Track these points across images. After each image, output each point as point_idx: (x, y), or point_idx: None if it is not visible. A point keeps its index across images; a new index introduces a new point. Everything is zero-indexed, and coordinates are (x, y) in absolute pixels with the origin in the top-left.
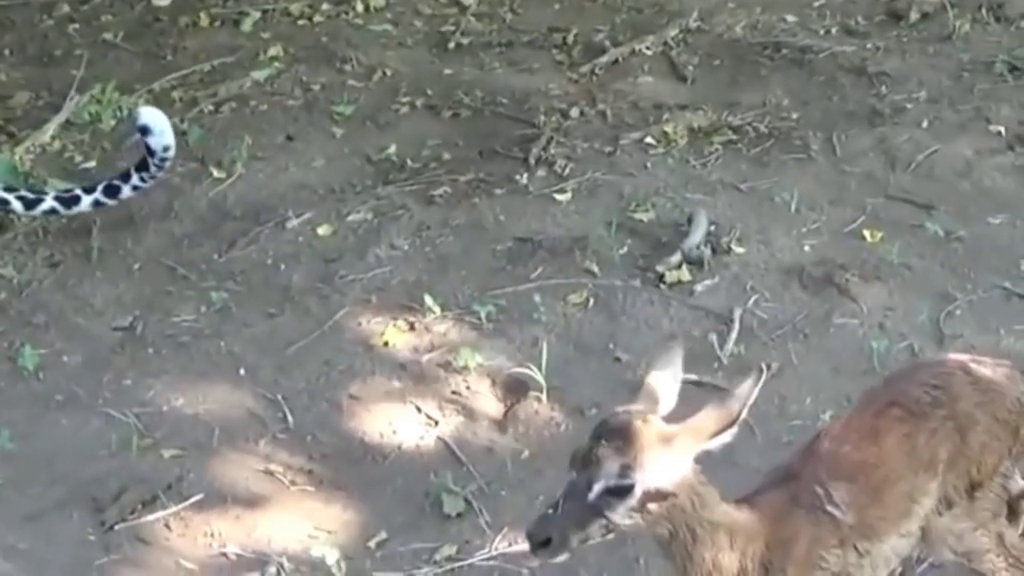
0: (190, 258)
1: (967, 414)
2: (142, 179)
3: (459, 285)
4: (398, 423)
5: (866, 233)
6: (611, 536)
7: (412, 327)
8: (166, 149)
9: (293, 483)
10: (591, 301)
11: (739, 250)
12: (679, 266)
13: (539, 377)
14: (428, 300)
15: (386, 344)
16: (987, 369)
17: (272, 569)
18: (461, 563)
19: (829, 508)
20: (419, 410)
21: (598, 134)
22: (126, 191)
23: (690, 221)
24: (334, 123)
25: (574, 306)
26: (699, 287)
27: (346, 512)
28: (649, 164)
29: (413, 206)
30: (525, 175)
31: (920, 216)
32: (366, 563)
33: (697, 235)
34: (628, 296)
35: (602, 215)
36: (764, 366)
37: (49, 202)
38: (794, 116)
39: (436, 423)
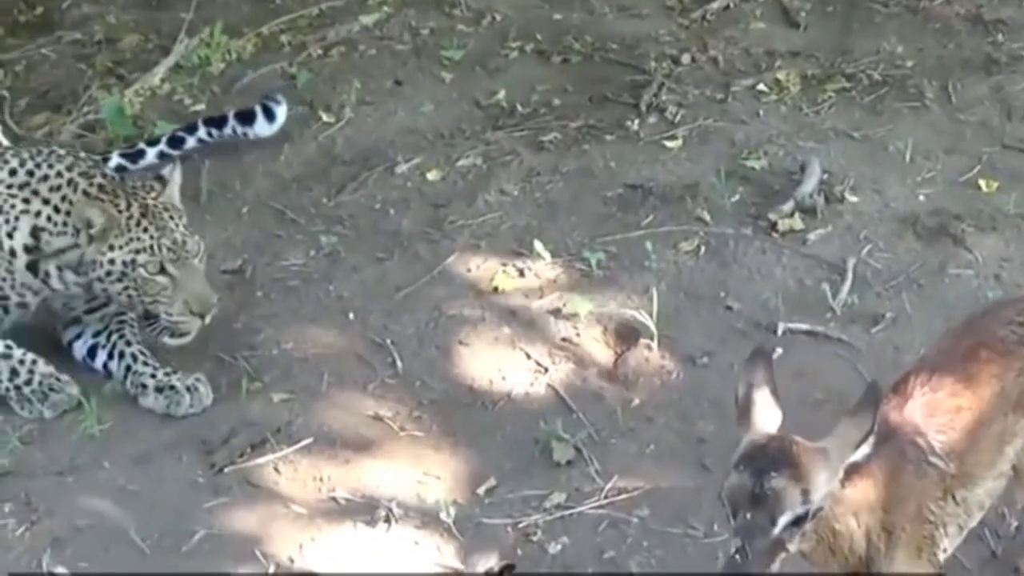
0: (299, 202)
1: None
2: (209, 133)
3: (569, 231)
4: (507, 370)
5: (981, 183)
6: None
7: (521, 273)
8: (254, 136)
9: (402, 428)
10: (702, 249)
11: (852, 199)
12: (791, 214)
13: (650, 325)
14: (538, 246)
15: (495, 290)
16: None
17: (381, 513)
18: (570, 511)
19: (932, 459)
20: (528, 357)
21: (709, 80)
22: (191, 142)
23: (803, 169)
24: (443, 68)
25: (685, 254)
26: (812, 236)
27: (455, 458)
28: (761, 111)
29: (523, 152)
30: (635, 121)
31: None
32: (475, 509)
33: (810, 183)
34: (740, 244)
35: (713, 162)
36: (877, 383)
37: (115, 159)
38: (909, 64)
39: (546, 370)
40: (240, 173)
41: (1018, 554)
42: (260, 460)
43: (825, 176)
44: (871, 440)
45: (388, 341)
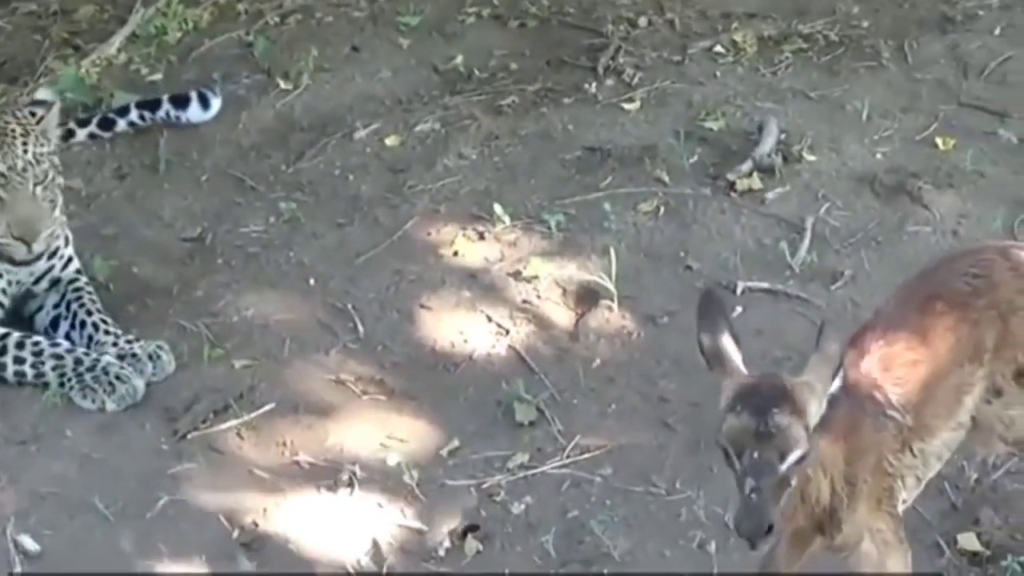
0: (258, 169)
1: (1008, 300)
2: (142, 116)
3: (528, 194)
4: (469, 332)
5: (938, 141)
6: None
7: (482, 236)
8: (186, 120)
9: (364, 392)
10: (661, 210)
11: (810, 158)
12: (750, 174)
13: (610, 286)
14: (498, 209)
15: (456, 254)
16: None
17: (345, 477)
18: (533, 471)
19: (890, 412)
20: (490, 319)
21: (666, 43)
22: (121, 124)
23: (760, 129)
24: (400, 34)
25: (644, 215)
26: (770, 195)
27: (418, 421)
28: (718, 73)
29: (481, 116)
30: (593, 84)
31: (993, 123)
32: (438, 471)
33: (768, 143)
34: (699, 205)
35: (671, 124)
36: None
37: None
38: (864, 24)
39: (507, 332)
40: (198, 142)
41: (978, 506)
42: (223, 426)
43: (783, 136)
44: (841, 374)
45: (349, 306)
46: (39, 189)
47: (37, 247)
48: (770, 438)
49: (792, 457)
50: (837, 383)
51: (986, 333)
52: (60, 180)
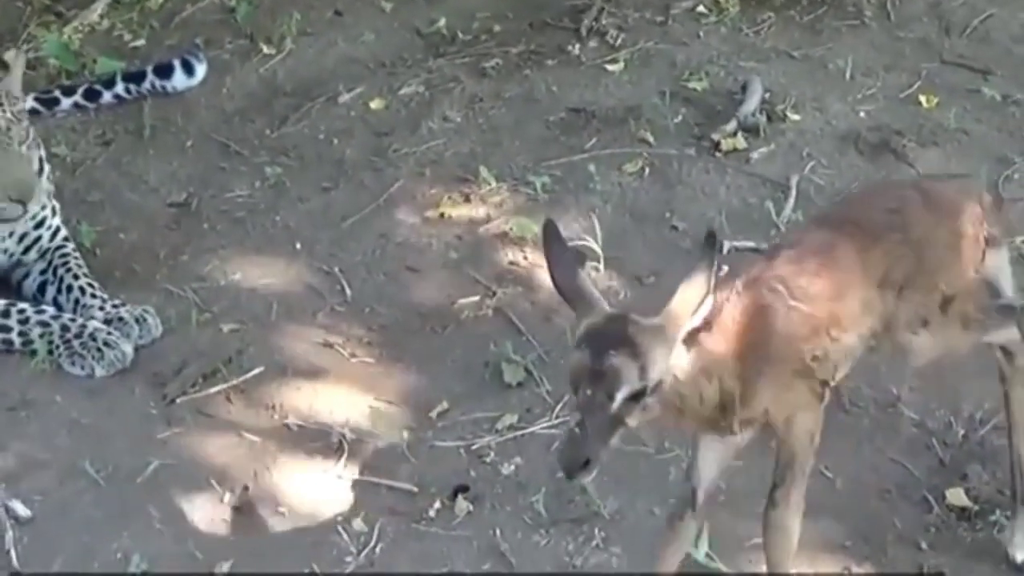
0: (242, 134)
1: (923, 237)
2: (127, 90)
3: (513, 156)
4: (456, 294)
5: (922, 98)
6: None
7: (467, 199)
8: (172, 89)
9: (353, 355)
10: (646, 170)
11: (794, 117)
12: (734, 134)
13: (596, 247)
14: (483, 171)
15: (442, 216)
16: (943, 187)
17: (334, 439)
18: (522, 431)
19: (793, 303)
20: (477, 281)
21: (649, 3)
22: (106, 96)
23: (744, 89)
24: None
25: (629, 175)
26: (755, 155)
27: (406, 383)
28: (701, 33)
29: (465, 79)
30: (577, 46)
31: (976, 81)
32: (427, 433)
33: (752, 103)
34: (683, 165)
35: (655, 84)
36: (713, 231)
37: (29, 102)
38: None
39: (494, 294)
40: (182, 107)
41: (966, 461)
42: (212, 390)
43: (767, 95)
44: (708, 303)
45: (336, 269)
46: (23, 148)
47: (33, 206)
48: (601, 377)
49: (620, 396)
50: (703, 312)
51: (897, 266)
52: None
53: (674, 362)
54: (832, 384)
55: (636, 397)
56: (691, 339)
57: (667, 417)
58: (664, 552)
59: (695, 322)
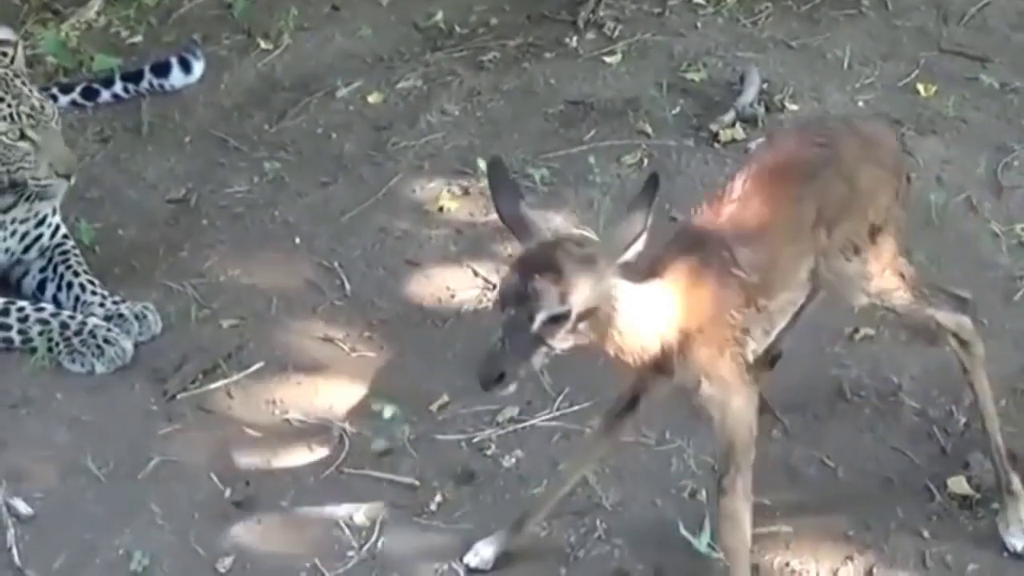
0: (241, 130)
1: (853, 166)
2: (126, 89)
3: (512, 149)
4: (456, 287)
5: (920, 87)
6: (547, 361)
7: (466, 192)
8: (170, 87)
9: (353, 350)
10: (645, 162)
11: (793, 107)
12: (733, 124)
13: (595, 239)
14: (481, 165)
15: (441, 209)
16: (865, 123)
17: (335, 434)
18: (523, 424)
19: (735, 271)
20: (476, 274)
21: None
22: (104, 96)
23: (742, 80)
24: None
25: (628, 167)
26: (754, 145)
27: (407, 377)
28: (699, 24)
29: (463, 72)
30: (574, 38)
31: (974, 69)
32: (429, 426)
33: (750, 93)
34: (683, 156)
35: (653, 76)
36: (657, 173)
37: None
38: None
39: (494, 287)
40: (180, 103)
41: (967, 450)
42: (212, 386)
43: (765, 86)
44: (643, 239)
45: (335, 264)
46: (55, 125)
47: (72, 181)
48: (524, 299)
49: (540, 318)
50: (637, 248)
51: (832, 199)
52: None
53: (605, 292)
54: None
55: (558, 320)
56: (628, 274)
57: (609, 347)
58: (593, 441)
59: (627, 256)
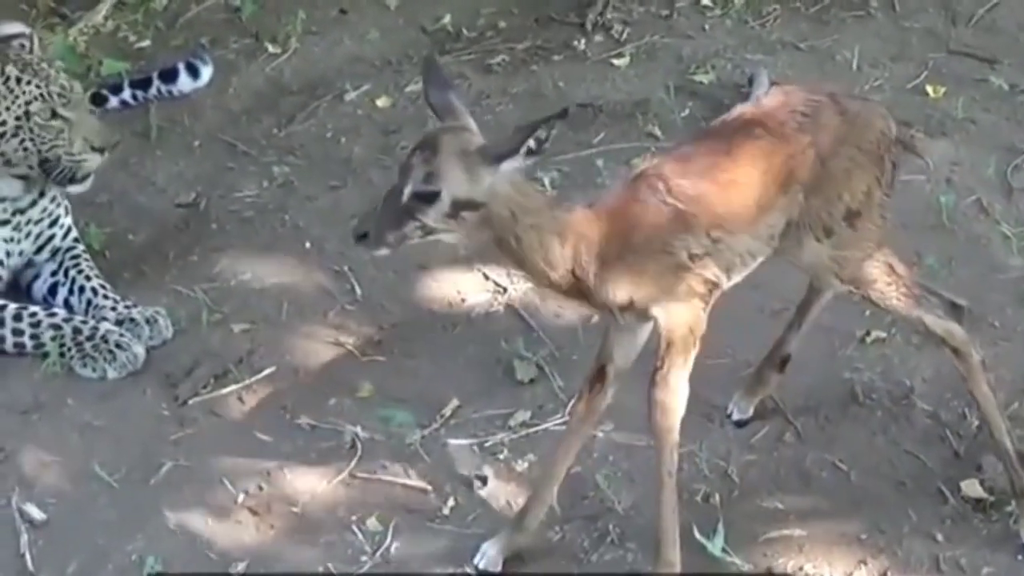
0: (249, 134)
1: (831, 144)
2: (134, 96)
3: None
4: (466, 291)
5: (929, 89)
6: (433, 237)
7: None
8: (178, 93)
9: (364, 354)
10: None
11: None
12: None
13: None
14: None
15: None
16: (854, 101)
17: (347, 439)
18: (535, 428)
19: (670, 200)
20: (487, 277)
21: None
22: (113, 102)
23: (751, 82)
24: None
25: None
26: None
27: (418, 381)
28: (707, 26)
29: (471, 75)
30: (582, 41)
31: (983, 70)
32: (440, 431)
33: (759, 95)
34: None
35: (662, 78)
36: (563, 110)
37: None
38: None
39: (504, 290)
40: (189, 107)
41: (980, 453)
42: (223, 391)
43: (773, 87)
44: (519, 155)
45: (346, 268)
46: (86, 102)
47: (108, 153)
48: (406, 172)
49: (407, 191)
50: (515, 164)
51: (801, 167)
52: None
53: (492, 192)
54: (722, 285)
55: (427, 199)
56: (560, 213)
57: (507, 255)
58: (573, 424)
59: (509, 166)
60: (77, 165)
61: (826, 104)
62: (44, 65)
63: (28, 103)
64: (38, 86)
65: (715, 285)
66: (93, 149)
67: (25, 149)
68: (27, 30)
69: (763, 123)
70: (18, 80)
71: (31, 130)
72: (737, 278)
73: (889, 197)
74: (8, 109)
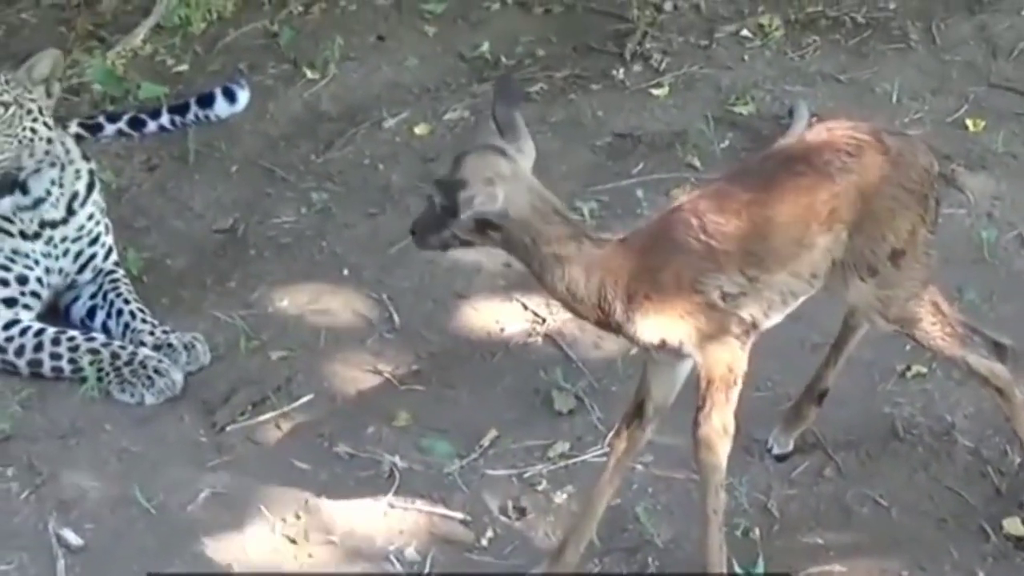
0: (287, 160)
1: (874, 183)
2: (172, 122)
3: (560, 182)
4: (505, 321)
5: (969, 122)
6: (473, 247)
7: None
8: (215, 117)
9: (402, 382)
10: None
11: None
12: None
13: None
14: None
15: None
16: (897, 139)
17: (385, 468)
18: (574, 459)
19: (703, 237)
20: (525, 307)
21: (693, 27)
22: (151, 127)
23: (791, 113)
24: (425, 22)
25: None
26: None
27: (456, 411)
28: (746, 57)
29: None
30: (621, 70)
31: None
32: (479, 461)
33: (799, 127)
34: None
35: (701, 109)
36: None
37: (73, 127)
38: (891, 6)
39: (543, 320)
40: (227, 133)
41: (1022, 490)
42: (261, 418)
43: (813, 120)
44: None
45: (384, 296)
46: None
47: None
48: (438, 185)
49: (437, 202)
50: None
51: (844, 206)
52: (34, 125)
53: (512, 215)
54: (760, 325)
55: (451, 212)
56: (586, 245)
57: (535, 272)
58: (612, 459)
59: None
60: None
61: (870, 142)
62: None
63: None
64: None
65: (752, 325)
66: None
67: None
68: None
69: (806, 160)
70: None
71: None
72: (778, 317)
73: (933, 234)
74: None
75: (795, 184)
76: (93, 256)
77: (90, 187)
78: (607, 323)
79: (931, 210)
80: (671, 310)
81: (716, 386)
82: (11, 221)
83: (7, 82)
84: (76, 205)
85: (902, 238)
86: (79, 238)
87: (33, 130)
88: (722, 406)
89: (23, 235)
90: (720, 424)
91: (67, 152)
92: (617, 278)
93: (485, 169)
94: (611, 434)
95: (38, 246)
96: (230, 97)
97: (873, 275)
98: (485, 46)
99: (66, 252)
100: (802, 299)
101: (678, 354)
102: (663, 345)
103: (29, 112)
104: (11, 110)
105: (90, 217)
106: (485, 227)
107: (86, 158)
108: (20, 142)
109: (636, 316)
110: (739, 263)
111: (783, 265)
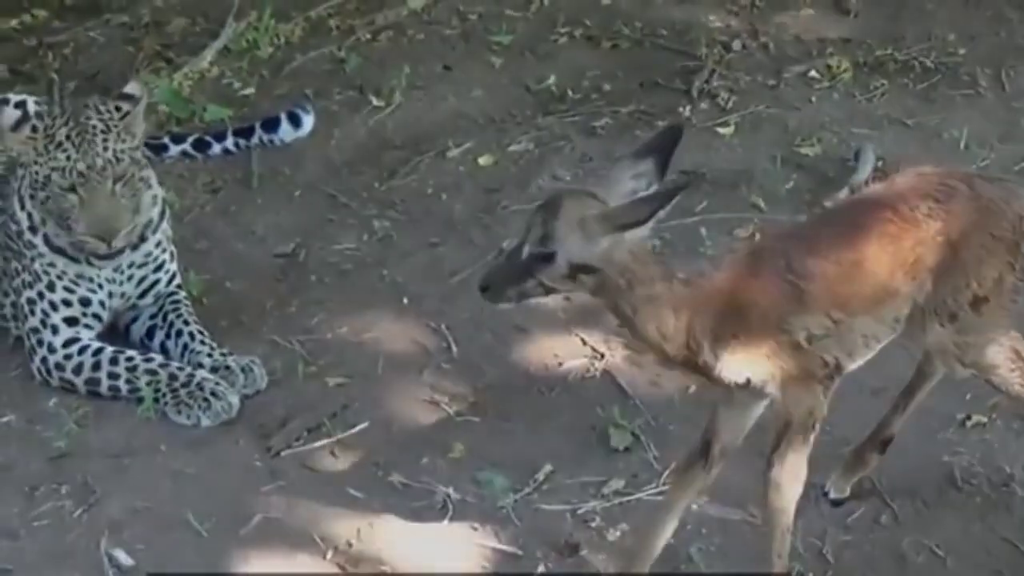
0: (350, 186)
1: (962, 231)
2: (236, 144)
3: None
4: (563, 355)
5: None
6: (553, 295)
7: None
8: (280, 141)
9: (458, 414)
10: (757, 236)
11: None
12: None
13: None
14: None
15: None
16: (990, 185)
17: (439, 499)
18: (629, 497)
19: (790, 277)
20: (584, 343)
21: (760, 67)
22: (215, 149)
23: (857, 156)
24: (492, 53)
25: (740, 240)
26: None
27: (511, 444)
28: (814, 98)
29: (575, 137)
30: (687, 107)
31: None
32: (533, 495)
33: (865, 171)
34: None
35: (766, 149)
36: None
37: None
38: (961, 51)
39: (602, 356)
40: (291, 157)
41: None
42: (316, 444)
43: (880, 163)
44: (647, 226)
45: (443, 326)
46: (118, 186)
47: (117, 243)
48: (526, 230)
49: (526, 250)
50: (641, 233)
51: (930, 254)
52: (147, 173)
53: (608, 258)
54: (844, 368)
55: (543, 259)
56: (653, 257)
57: (622, 321)
58: (672, 498)
59: (636, 235)
60: (83, 243)
61: (960, 189)
62: (99, 139)
63: (52, 169)
64: (69, 158)
65: (836, 368)
66: (92, 236)
67: (47, 208)
68: (139, 93)
69: (893, 206)
70: (59, 144)
71: (47, 196)
72: (860, 361)
73: (1023, 281)
74: (40, 166)
75: (881, 230)
76: (156, 282)
77: (162, 214)
78: (694, 362)
79: (1021, 256)
80: (757, 349)
81: (795, 428)
82: (80, 249)
83: (119, 135)
84: (148, 232)
85: (987, 286)
86: (145, 264)
87: (144, 179)
88: (798, 449)
89: (88, 262)
90: (793, 468)
91: (147, 178)
92: (705, 317)
93: (582, 214)
94: (672, 472)
95: (104, 271)
96: (295, 122)
97: (952, 321)
98: (552, 79)
99: (130, 277)
100: (884, 343)
101: (760, 394)
102: (747, 384)
103: (142, 167)
104: (136, 173)
105: (158, 244)
106: (578, 272)
107: (160, 183)
108: (146, 201)
109: (723, 354)
110: (825, 305)
111: (867, 309)
